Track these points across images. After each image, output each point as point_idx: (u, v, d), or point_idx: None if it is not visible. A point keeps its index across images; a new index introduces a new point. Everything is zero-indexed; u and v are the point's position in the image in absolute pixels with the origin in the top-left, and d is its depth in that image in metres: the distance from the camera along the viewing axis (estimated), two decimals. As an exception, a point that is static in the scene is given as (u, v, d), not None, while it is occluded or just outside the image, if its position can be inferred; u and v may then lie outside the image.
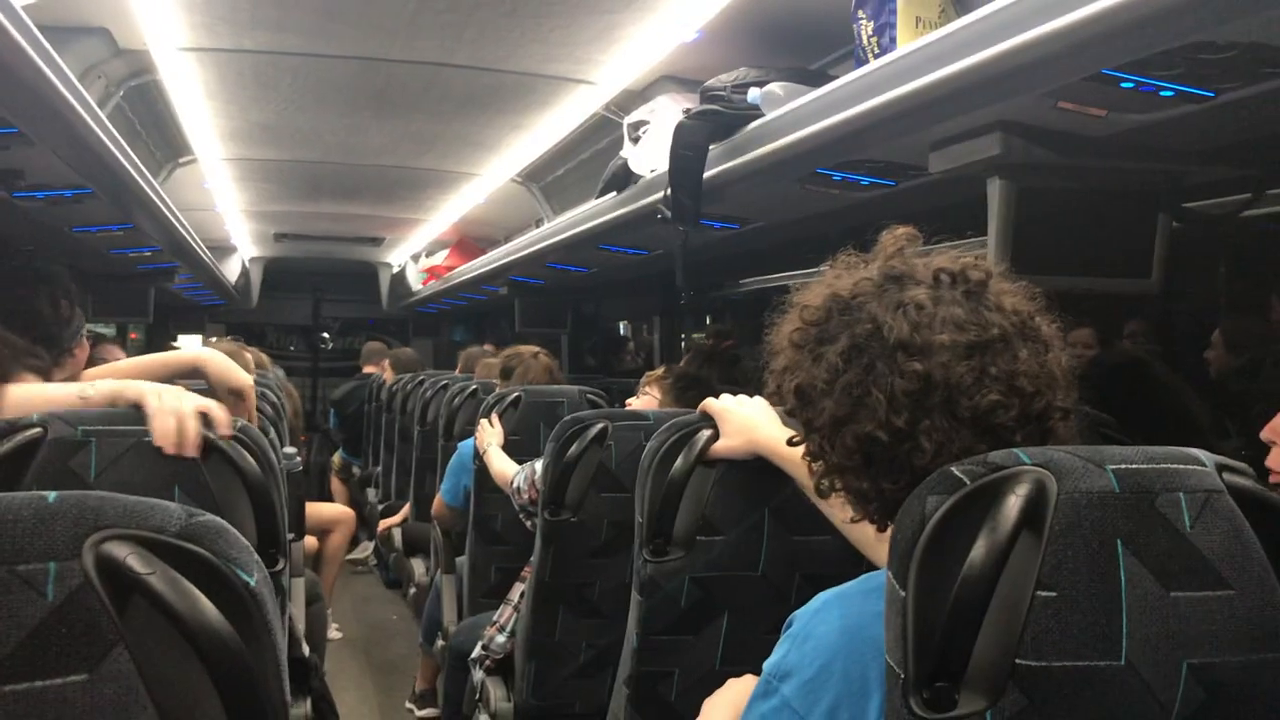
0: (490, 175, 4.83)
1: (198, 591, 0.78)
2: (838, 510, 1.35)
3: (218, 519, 0.84)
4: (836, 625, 1.05)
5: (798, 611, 1.10)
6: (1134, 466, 0.94)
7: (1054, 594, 0.89)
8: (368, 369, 7.79)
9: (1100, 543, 0.90)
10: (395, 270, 9.42)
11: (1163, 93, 1.42)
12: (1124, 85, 1.41)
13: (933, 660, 0.90)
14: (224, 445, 1.52)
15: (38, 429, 1.48)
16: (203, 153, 4.42)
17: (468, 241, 7.17)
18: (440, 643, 3.65)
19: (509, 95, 3.27)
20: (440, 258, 7.50)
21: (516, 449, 3.17)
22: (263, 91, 3.26)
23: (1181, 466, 0.96)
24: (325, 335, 11.23)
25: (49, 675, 0.74)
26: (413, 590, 4.79)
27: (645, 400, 2.69)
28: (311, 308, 10.75)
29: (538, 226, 5.27)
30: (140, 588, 0.77)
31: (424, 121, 3.68)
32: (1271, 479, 1.48)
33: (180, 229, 3.88)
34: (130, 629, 0.76)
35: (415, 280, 8.51)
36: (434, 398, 4.81)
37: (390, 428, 6.00)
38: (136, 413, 1.53)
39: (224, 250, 7.56)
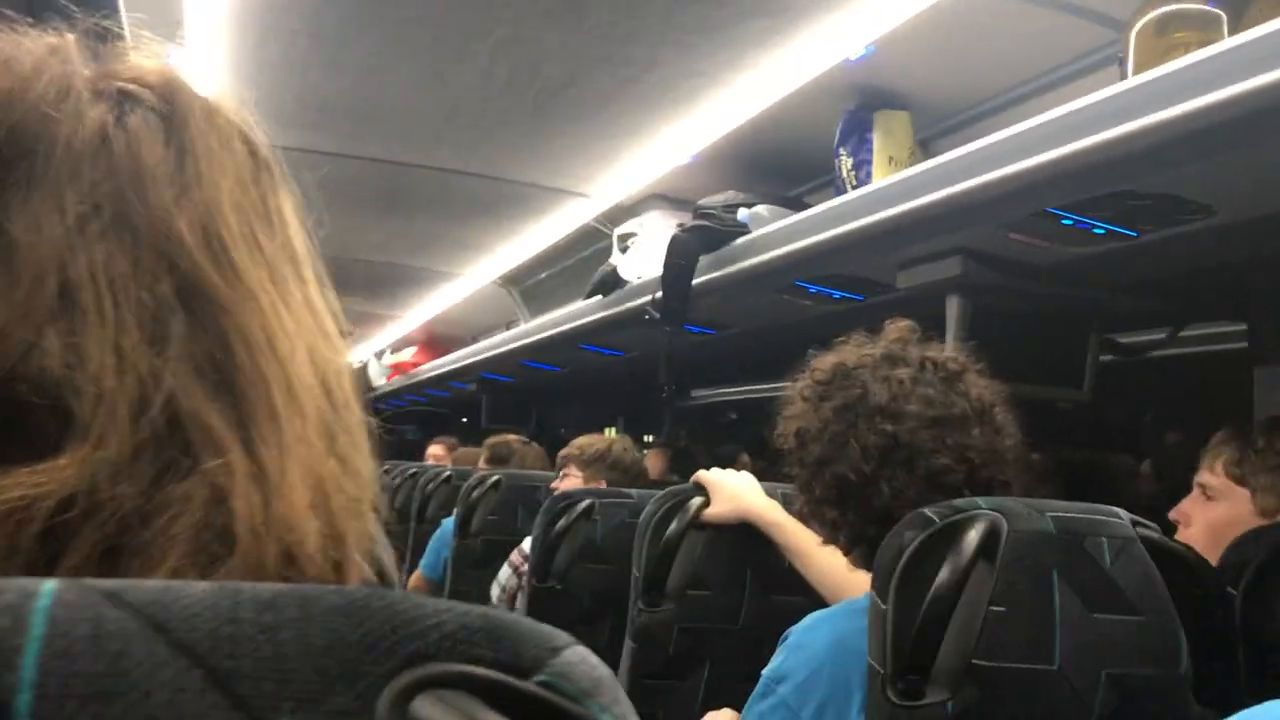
0: (472, 276, 5.08)
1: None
2: (809, 565, 1.61)
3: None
4: (826, 637, 1.30)
5: (793, 627, 1.35)
6: (1068, 515, 1.21)
7: (1003, 609, 1.14)
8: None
9: (1040, 572, 1.16)
10: (356, 366, 9.57)
11: (1095, 230, 1.72)
12: (1064, 222, 1.71)
13: (906, 659, 1.14)
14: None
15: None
16: (202, 239, 4.61)
17: (436, 340, 7.38)
18: None
19: (508, 202, 3.54)
20: (408, 354, 7.70)
21: (495, 528, 3.36)
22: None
23: (1105, 518, 1.23)
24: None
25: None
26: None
27: (569, 480, 2.87)
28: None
29: (508, 328, 5.52)
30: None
31: (424, 222, 3.94)
32: None
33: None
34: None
35: (378, 376, 8.67)
36: (402, 485, 4.96)
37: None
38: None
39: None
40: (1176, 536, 1.78)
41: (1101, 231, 1.70)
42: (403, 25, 2.13)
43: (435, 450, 6.14)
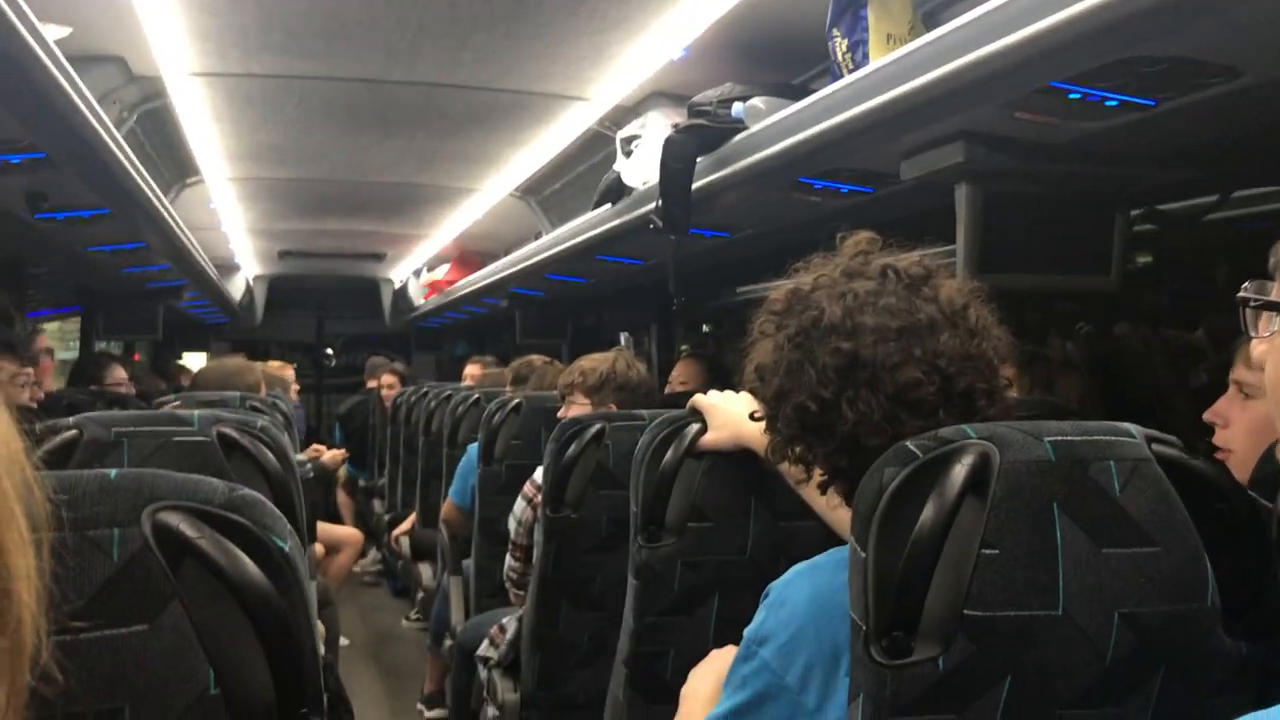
0: (489, 190, 4.95)
1: (241, 553, 0.89)
2: (812, 493, 1.47)
3: (255, 493, 0.95)
4: (807, 594, 1.18)
5: (773, 583, 1.23)
6: (1069, 438, 1.06)
7: (997, 552, 1.00)
8: (371, 383, 7.89)
9: (1038, 506, 1.02)
10: (397, 286, 9.54)
11: (1108, 102, 1.53)
12: (1072, 96, 1.53)
13: (890, 613, 1.02)
14: (246, 443, 1.64)
15: (74, 431, 1.59)
16: (210, 173, 4.54)
17: (469, 255, 7.28)
18: (448, 642, 3.76)
19: (505, 113, 3.39)
20: (442, 272, 7.62)
21: (518, 453, 3.29)
22: (269, 113, 3.39)
23: (1112, 438, 1.08)
24: (329, 352, 11.35)
25: (116, 625, 0.85)
26: (420, 594, 4.90)
27: (576, 409, 2.74)
28: (315, 325, 10.86)
29: (536, 239, 5.40)
30: (192, 550, 0.88)
31: (425, 139, 3.81)
32: (1218, 455, 1.60)
33: (189, 247, 4.01)
34: (183, 586, 0.88)
35: (417, 295, 8.62)
36: (437, 408, 4.91)
37: (396, 440, 6.11)
38: (166, 415, 1.65)
39: (228, 269, 7.68)
40: (1215, 439, 1.62)
41: (1114, 103, 1.52)
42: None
43: (472, 370, 6.08)
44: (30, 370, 2.70)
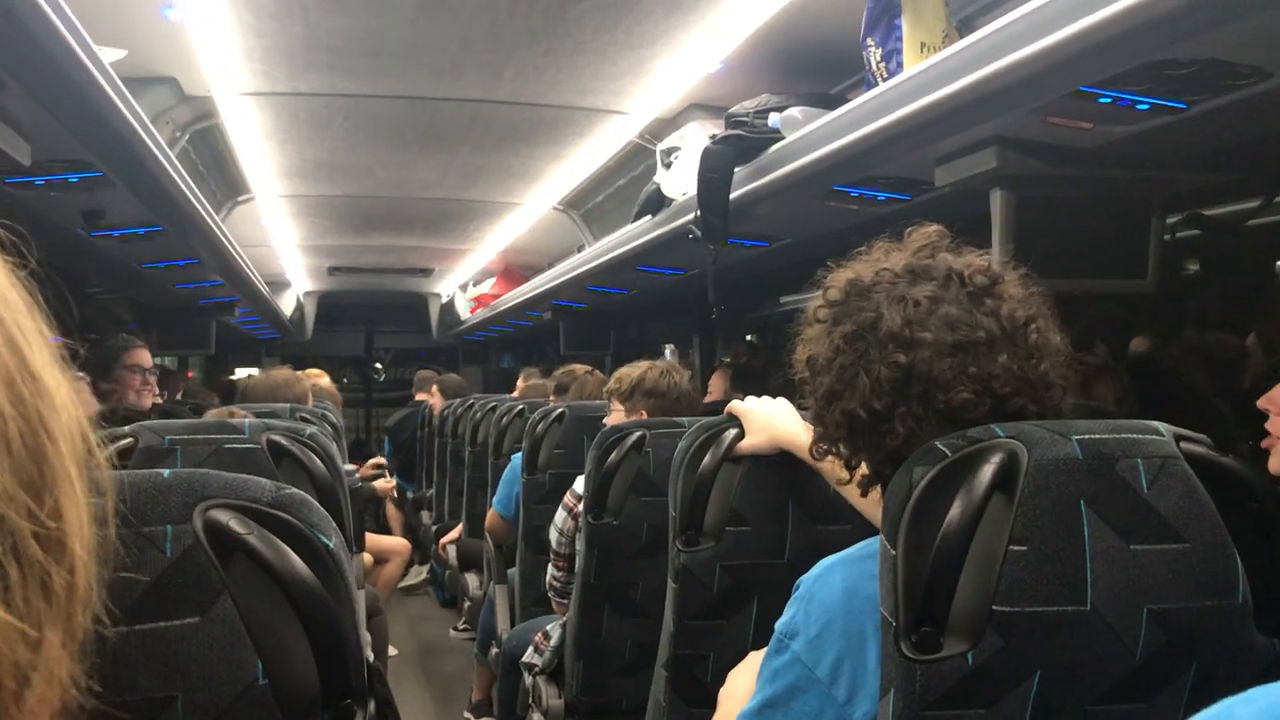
0: (532, 204, 5.00)
1: (287, 548, 0.93)
2: (855, 490, 1.48)
3: (301, 492, 0.99)
4: (837, 587, 1.19)
5: (803, 576, 1.24)
6: (1096, 436, 1.07)
7: (1025, 548, 1.02)
8: (420, 396, 7.97)
9: (1066, 503, 1.03)
10: (444, 300, 9.63)
11: (1139, 106, 1.54)
12: (1102, 101, 1.54)
13: (919, 609, 1.03)
14: (295, 450, 1.68)
15: (130, 439, 1.65)
16: (260, 191, 4.64)
17: (513, 269, 7.35)
18: (494, 650, 3.79)
19: (548, 127, 3.44)
20: (487, 286, 7.69)
21: (561, 462, 3.32)
22: (317, 131, 3.46)
23: (1140, 436, 1.09)
24: (378, 366, 11.49)
25: (169, 617, 0.89)
26: (467, 604, 4.94)
27: (615, 415, 2.83)
28: (364, 339, 11.00)
29: (579, 252, 5.44)
30: (241, 546, 0.92)
31: (469, 155, 3.87)
32: (1265, 443, 1.60)
33: (240, 264, 4.09)
34: (233, 580, 0.92)
35: (464, 309, 8.70)
36: (483, 419, 4.96)
37: (443, 451, 6.16)
38: (217, 423, 1.70)
39: (279, 285, 7.80)
40: (1268, 425, 1.61)
41: (1146, 107, 1.52)
42: (389, -46, 2.03)
43: (523, 383, 6.12)
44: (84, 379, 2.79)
